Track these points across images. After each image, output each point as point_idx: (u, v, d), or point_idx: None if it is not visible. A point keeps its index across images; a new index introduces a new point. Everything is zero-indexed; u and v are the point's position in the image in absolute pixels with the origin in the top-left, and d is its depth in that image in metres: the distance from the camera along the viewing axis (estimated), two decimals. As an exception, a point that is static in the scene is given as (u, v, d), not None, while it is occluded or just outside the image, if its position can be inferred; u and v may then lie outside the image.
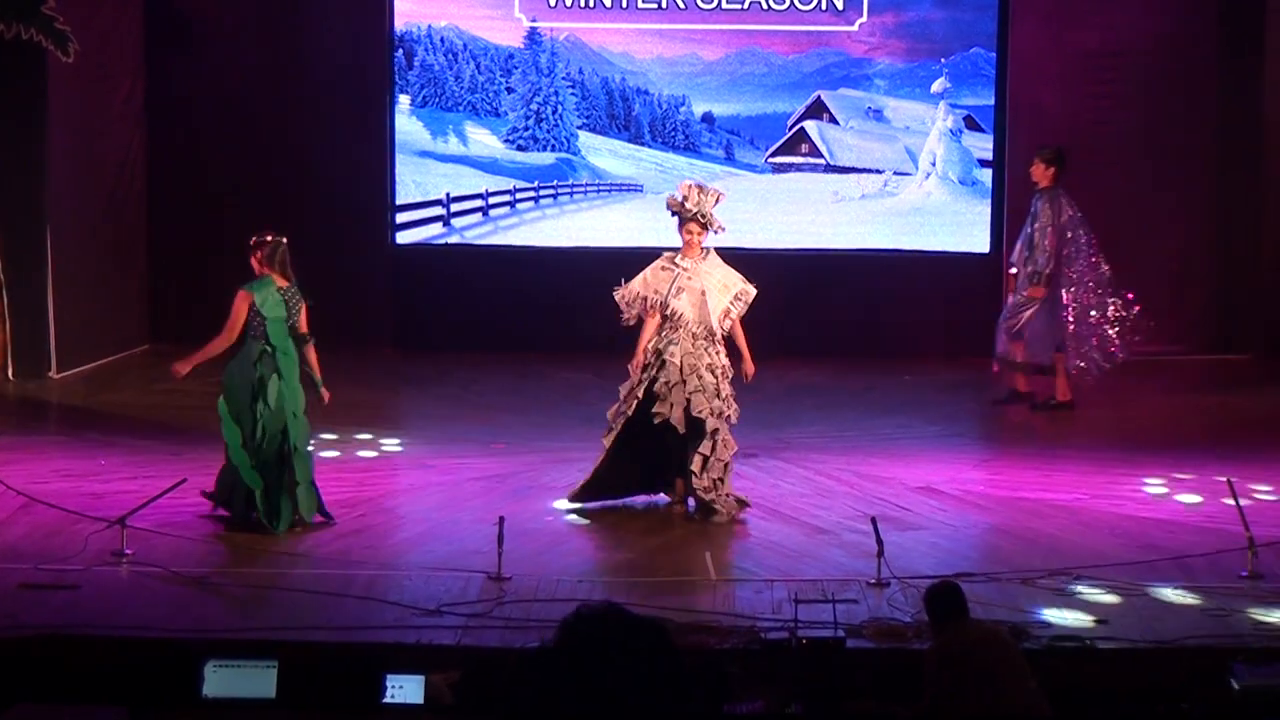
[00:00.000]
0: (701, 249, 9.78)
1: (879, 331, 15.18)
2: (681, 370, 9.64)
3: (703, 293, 9.70)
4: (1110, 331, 12.73)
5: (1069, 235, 12.73)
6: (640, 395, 9.71)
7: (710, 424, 9.62)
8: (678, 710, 3.64)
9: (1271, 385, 13.94)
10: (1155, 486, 10.66)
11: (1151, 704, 7.38)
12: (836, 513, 10.00)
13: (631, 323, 9.87)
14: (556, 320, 15.09)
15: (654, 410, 9.67)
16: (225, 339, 9.58)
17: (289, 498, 9.44)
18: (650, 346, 9.73)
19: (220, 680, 7.08)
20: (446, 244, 15.77)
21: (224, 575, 8.62)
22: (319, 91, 15.53)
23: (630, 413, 9.75)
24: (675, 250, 9.89)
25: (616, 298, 9.88)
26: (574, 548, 9.32)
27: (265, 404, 9.44)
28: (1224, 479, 9.42)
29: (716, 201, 9.76)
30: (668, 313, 9.69)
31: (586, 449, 10.94)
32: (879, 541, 8.59)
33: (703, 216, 9.67)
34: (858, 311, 15.17)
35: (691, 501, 9.79)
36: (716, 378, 9.70)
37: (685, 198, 9.71)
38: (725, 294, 9.76)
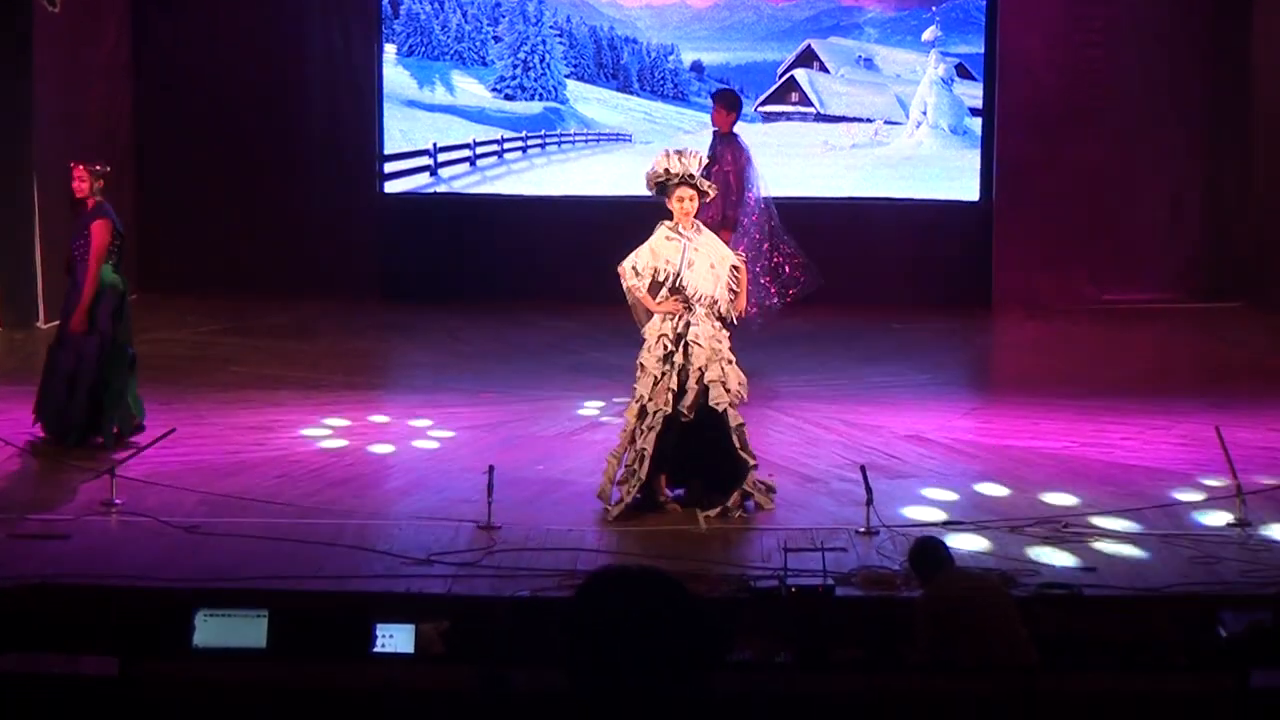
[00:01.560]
0: (691, 220, 8.99)
1: (868, 280, 15.15)
2: (706, 356, 8.83)
3: (711, 265, 8.92)
4: (765, 280, 12.52)
5: (745, 181, 12.64)
6: (674, 386, 8.80)
7: (731, 416, 8.87)
8: (687, 662, 3.64)
9: (1260, 333, 13.95)
10: (1143, 434, 10.68)
11: (1139, 651, 7.41)
12: (825, 461, 10.01)
13: (639, 294, 8.90)
14: (544, 269, 15.08)
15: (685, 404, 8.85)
16: (98, 272, 9.92)
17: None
18: (669, 329, 8.86)
19: (211, 630, 7.08)
20: (434, 194, 15.73)
21: (214, 525, 8.61)
22: (305, 41, 15.47)
23: (669, 409, 8.81)
24: (668, 218, 8.98)
25: (622, 271, 8.87)
26: (563, 496, 9.29)
27: (124, 321, 10.11)
28: (1213, 426, 9.42)
29: (699, 165, 9.01)
30: (682, 286, 8.83)
31: (574, 397, 10.95)
32: (868, 490, 8.60)
33: (692, 177, 8.89)
34: (848, 260, 15.10)
35: (674, 496, 9.09)
36: (731, 360, 8.97)
37: (668, 167, 8.94)
38: (724, 266, 9.01)
